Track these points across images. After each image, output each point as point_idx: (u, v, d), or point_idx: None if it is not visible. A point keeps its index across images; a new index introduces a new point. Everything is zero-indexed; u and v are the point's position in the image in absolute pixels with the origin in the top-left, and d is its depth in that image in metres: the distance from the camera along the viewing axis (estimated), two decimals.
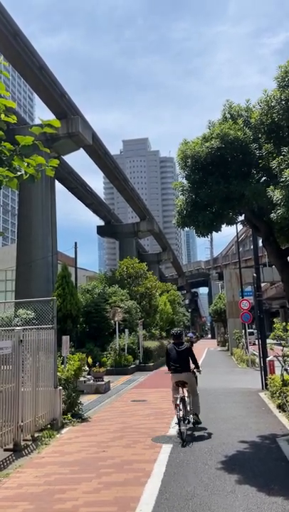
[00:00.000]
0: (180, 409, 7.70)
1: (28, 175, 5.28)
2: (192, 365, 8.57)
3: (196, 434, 8.05)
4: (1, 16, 22.04)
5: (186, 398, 8.22)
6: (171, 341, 8.99)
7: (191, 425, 8.23)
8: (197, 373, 8.85)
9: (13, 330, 7.86)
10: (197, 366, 8.79)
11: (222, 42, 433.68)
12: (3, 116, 5.00)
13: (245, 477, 5.65)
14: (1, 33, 22.49)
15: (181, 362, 8.40)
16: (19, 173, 5.23)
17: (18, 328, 8.05)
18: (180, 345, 8.57)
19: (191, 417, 8.34)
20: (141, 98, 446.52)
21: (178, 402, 7.86)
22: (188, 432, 7.79)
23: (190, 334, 63.81)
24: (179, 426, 7.56)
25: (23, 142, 5.11)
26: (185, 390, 8.39)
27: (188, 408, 8.19)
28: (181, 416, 7.60)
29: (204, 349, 43.45)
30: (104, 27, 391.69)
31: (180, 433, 7.51)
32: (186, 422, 7.86)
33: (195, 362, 8.68)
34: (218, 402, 11.53)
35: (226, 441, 7.46)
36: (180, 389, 8.36)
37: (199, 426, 8.53)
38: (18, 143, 5.12)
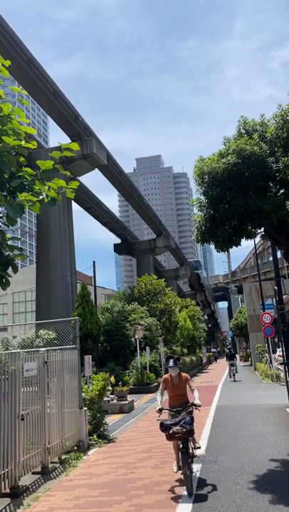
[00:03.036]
0: (232, 372, 24.85)
1: (49, 198, 5.41)
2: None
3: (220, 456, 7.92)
4: (15, 45, 22.79)
5: (233, 369, 25.15)
6: (227, 351, 31.37)
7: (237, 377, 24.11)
8: (236, 361, 26.42)
9: (37, 351, 7.92)
10: (235, 358, 26.76)
11: (230, 58, 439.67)
12: (23, 142, 5.16)
13: (278, 497, 5.50)
14: (16, 61, 23.19)
15: (232, 357, 26.00)
16: (41, 197, 5.37)
17: (42, 349, 8.11)
18: (231, 352, 26.67)
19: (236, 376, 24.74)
20: (152, 117, 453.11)
21: (232, 369, 25.01)
22: (237, 378, 24.45)
23: (213, 350, 66.19)
24: (234, 378, 24.30)
25: (43, 167, 5.26)
26: (233, 366, 25.26)
27: (234, 372, 24.73)
28: (232, 374, 24.61)
29: (226, 366, 42.65)
30: (113, 51, 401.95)
31: (234, 380, 23.92)
32: (234, 376, 24.41)
33: (235, 357, 26.87)
34: (246, 419, 11.31)
35: (256, 460, 7.29)
36: (231, 366, 25.15)
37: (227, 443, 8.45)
38: (38, 167, 5.27)
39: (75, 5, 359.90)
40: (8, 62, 5.25)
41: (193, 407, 6.49)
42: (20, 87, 5.68)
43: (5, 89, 5.57)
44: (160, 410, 6.38)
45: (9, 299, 49.32)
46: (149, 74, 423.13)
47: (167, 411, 6.58)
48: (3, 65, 5.21)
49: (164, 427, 6.01)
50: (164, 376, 6.96)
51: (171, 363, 6.72)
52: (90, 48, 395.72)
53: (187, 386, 6.73)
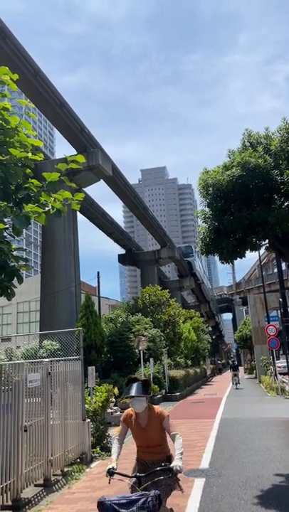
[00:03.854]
0: (235, 381, 29.85)
1: (55, 209, 5.46)
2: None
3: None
4: (23, 58, 23.14)
5: (236, 379, 29.81)
6: (231, 363, 36.50)
7: (242, 391, 25.86)
8: (239, 372, 30.61)
9: (41, 362, 7.91)
10: (238, 369, 31.81)
11: (235, 71, 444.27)
12: (30, 154, 5.23)
13: None
14: (23, 74, 23.50)
15: (235, 368, 31.36)
16: (47, 209, 5.42)
17: (45, 360, 8.10)
18: (235, 364, 32.37)
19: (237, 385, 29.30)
20: (157, 129, 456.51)
21: (234, 378, 30.08)
22: (241, 391, 25.57)
23: (218, 362, 67.27)
24: (236, 386, 28.56)
25: (49, 179, 5.31)
26: (236, 376, 30.18)
27: (236, 381, 29.53)
28: (235, 383, 29.53)
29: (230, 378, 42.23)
30: (119, 63, 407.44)
31: (236, 388, 28.10)
32: (237, 385, 29.01)
33: (238, 369, 31.97)
34: (250, 433, 11.18)
35: (261, 474, 7.20)
36: (234, 376, 30.31)
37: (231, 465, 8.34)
38: (44, 179, 5.33)
39: (81, 18, 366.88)
40: (15, 76, 5.34)
41: (173, 473, 3.60)
42: (28, 100, 5.79)
43: (12, 102, 5.67)
44: (110, 473, 3.69)
45: (13, 308, 49.36)
46: (154, 86, 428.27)
47: (126, 477, 3.78)
48: (11, 78, 5.31)
49: (103, 510, 3.10)
50: (125, 412, 4.19)
51: (133, 390, 3.84)
52: (96, 60, 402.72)
53: (166, 430, 3.96)
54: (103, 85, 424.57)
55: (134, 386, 3.88)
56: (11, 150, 4.82)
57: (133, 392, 3.85)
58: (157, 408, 4.07)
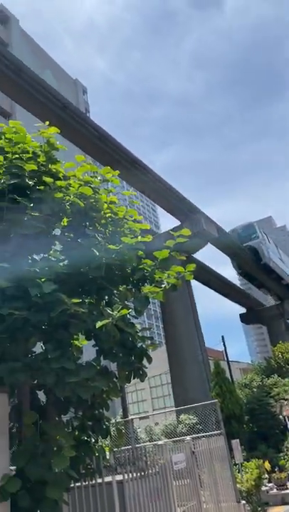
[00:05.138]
0: None
1: (170, 284, 5.62)
2: None
3: None
4: (121, 152, 25.43)
5: None
6: None
7: None
8: None
9: (183, 441, 7.69)
10: None
11: None
12: (140, 238, 5.57)
13: None
14: (122, 165, 25.68)
15: None
16: (163, 285, 5.59)
17: (187, 437, 7.86)
18: None
19: None
20: (254, 181, 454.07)
21: None
22: None
23: None
24: None
25: (160, 256, 5.54)
26: None
27: None
28: None
29: None
30: (205, 131, 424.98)
31: None
32: None
33: None
34: None
35: None
36: None
37: None
38: (156, 257, 5.58)
39: (163, 100, 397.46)
40: (117, 172, 5.92)
41: None
42: (131, 188, 6.29)
43: (116, 189, 6.23)
44: None
45: (146, 384, 49.86)
46: (243, 142, 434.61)
47: None
48: (113, 175, 5.89)
49: None
50: None
51: None
52: (183, 134, 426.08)
53: None
54: (193, 154, 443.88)
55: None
56: (123, 238, 5.18)
57: None
58: None
